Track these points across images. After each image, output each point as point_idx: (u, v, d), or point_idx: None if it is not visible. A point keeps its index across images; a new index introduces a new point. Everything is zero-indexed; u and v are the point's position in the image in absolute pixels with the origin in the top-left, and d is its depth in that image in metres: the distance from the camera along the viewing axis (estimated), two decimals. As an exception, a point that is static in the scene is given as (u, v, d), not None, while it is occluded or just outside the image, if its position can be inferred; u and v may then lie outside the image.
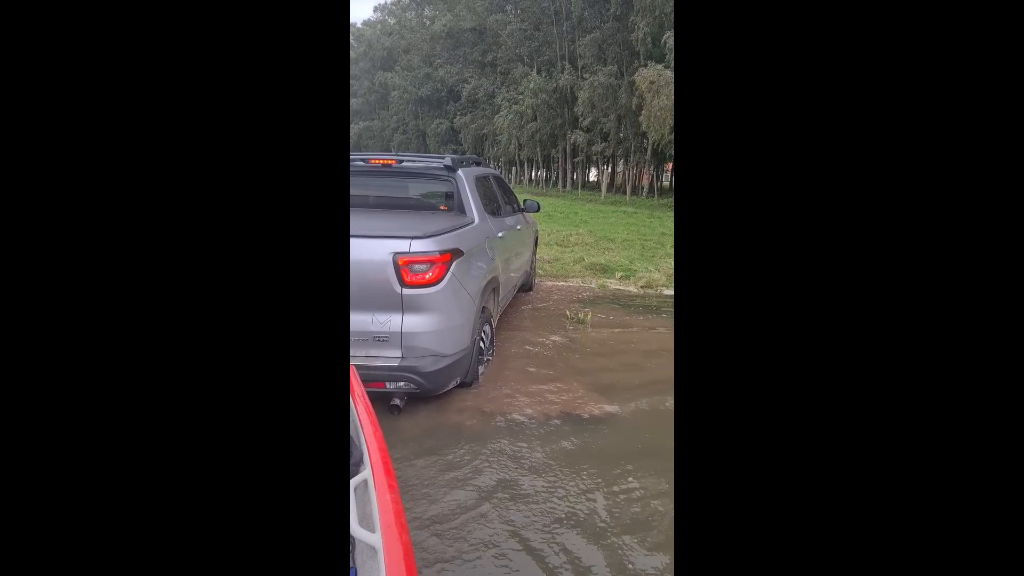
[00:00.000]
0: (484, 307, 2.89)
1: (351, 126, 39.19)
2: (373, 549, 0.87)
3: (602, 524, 1.77)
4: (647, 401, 2.74)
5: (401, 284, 2.34)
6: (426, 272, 2.37)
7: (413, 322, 2.38)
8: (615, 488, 1.98)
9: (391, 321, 2.37)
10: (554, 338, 3.72)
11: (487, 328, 3.03)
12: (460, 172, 3.25)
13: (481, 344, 2.88)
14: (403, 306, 2.37)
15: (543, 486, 1.97)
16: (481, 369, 2.92)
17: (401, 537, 0.88)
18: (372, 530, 0.88)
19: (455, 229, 2.67)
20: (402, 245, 2.33)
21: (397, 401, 2.46)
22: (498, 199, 3.87)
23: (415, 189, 3.60)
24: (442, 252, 2.41)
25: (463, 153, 30.34)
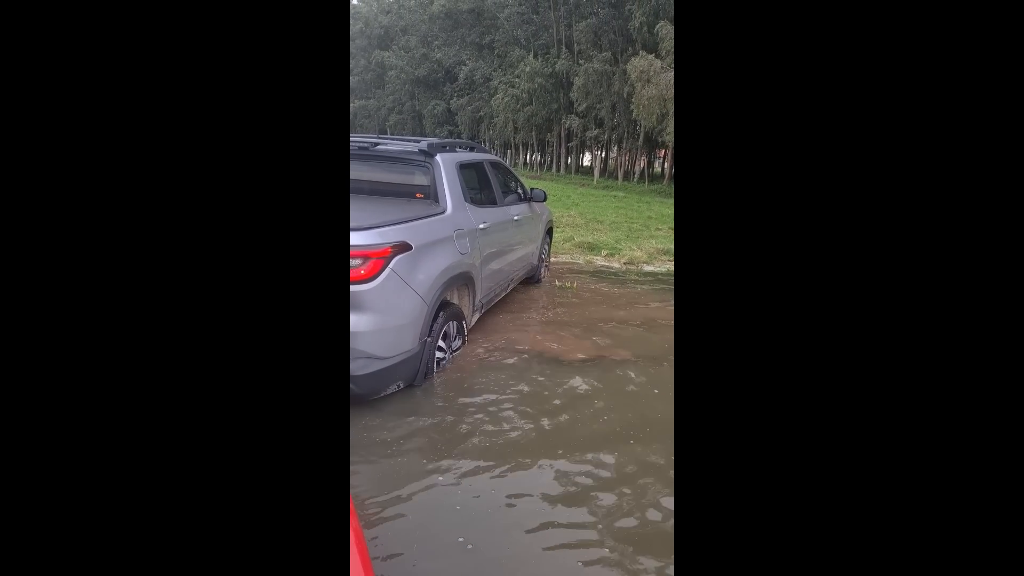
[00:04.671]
0: (450, 302, 2.82)
1: (347, 105, 38.96)
2: None
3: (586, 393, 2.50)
4: (608, 335, 3.46)
5: None
6: (360, 268, 2.22)
7: None
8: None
9: None
10: (544, 300, 4.43)
11: (453, 324, 2.91)
12: (438, 158, 3.10)
13: (442, 343, 2.81)
14: None
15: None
16: (443, 363, 2.86)
17: (352, 523, 0.87)
18: None
19: (406, 221, 2.50)
20: None
21: None
22: (492, 187, 3.70)
23: (390, 175, 3.33)
24: (380, 246, 2.27)
25: (458, 135, 30.56)
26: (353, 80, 38.86)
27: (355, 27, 38.30)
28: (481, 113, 29.44)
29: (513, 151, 32.12)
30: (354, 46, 38.85)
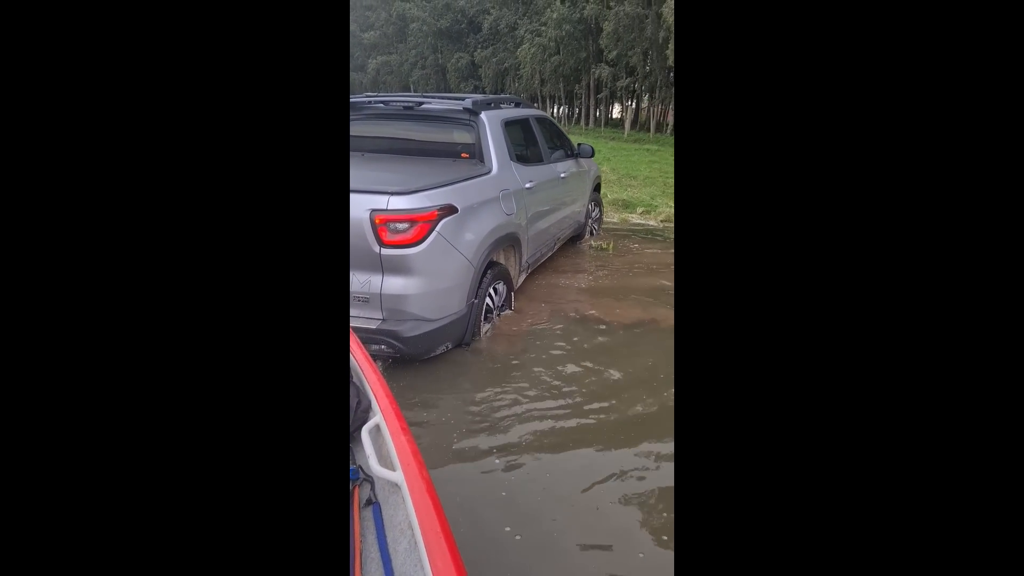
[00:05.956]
0: (496, 263, 2.80)
1: (368, 61, 38.30)
2: (395, 485, 0.94)
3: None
4: (641, 297, 3.32)
5: (379, 243, 2.21)
6: (407, 231, 2.23)
7: (394, 284, 2.27)
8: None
9: (371, 282, 2.27)
10: (580, 263, 4.27)
11: (500, 286, 2.89)
12: (483, 115, 3.02)
13: (490, 302, 2.80)
14: (382, 266, 2.26)
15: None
16: (491, 322, 2.88)
17: (421, 473, 0.93)
18: (392, 468, 0.96)
19: (452, 183, 2.48)
20: (380, 201, 2.19)
21: (378, 364, 2.33)
22: (538, 144, 3.58)
23: (435, 134, 3.25)
24: (426, 210, 2.26)
25: (482, 89, 29.72)
26: (374, 35, 37.93)
27: (374, -23, 37.05)
28: (506, 65, 28.40)
29: (540, 104, 31.06)
30: (374, -2, 37.70)
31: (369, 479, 1.01)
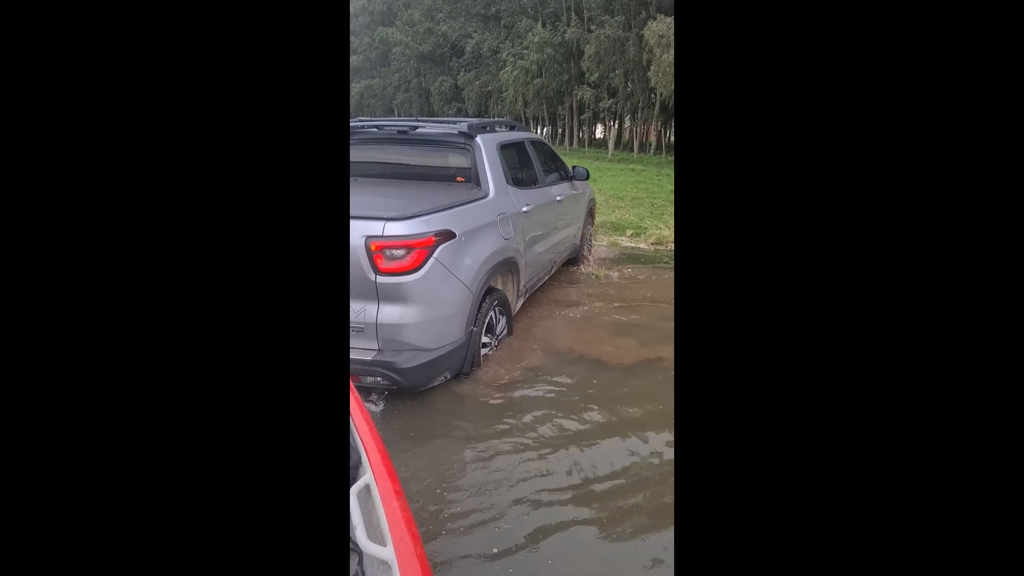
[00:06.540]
0: (495, 288, 2.71)
1: (352, 85, 38.42)
2: (386, 564, 0.83)
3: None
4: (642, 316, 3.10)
5: (375, 271, 2.11)
6: (403, 258, 2.13)
7: (390, 313, 2.16)
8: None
9: (366, 311, 2.16)
10: (572, 292, 4.06)
11: (499, 311, 2.79)
12: (479, 139, 2.95)
13: (492, 323, 2.72)
14: (378, 295, 2.15)
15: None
16: (488, 351, 2.74)
17: (416, 549, 0.83)
18: (382, 542, 0.84)
19: (449, 207, 2.38)
20: (375, 228, 2.09)
21: (374, 397, 2.35)
22: (533, 167, 3.53)
23: (430, 158, 3.19)
24: (423, 236, 2.17)
25: (465, 111, 29.91)
26: (357, 59, 38.16)
27: (357, 3, 37.37)
28: (489, 88, 28.62)
29: (524, 125, 31.22)
30: (356, 23, 37.98)
31: (356, 550, 0.87)
